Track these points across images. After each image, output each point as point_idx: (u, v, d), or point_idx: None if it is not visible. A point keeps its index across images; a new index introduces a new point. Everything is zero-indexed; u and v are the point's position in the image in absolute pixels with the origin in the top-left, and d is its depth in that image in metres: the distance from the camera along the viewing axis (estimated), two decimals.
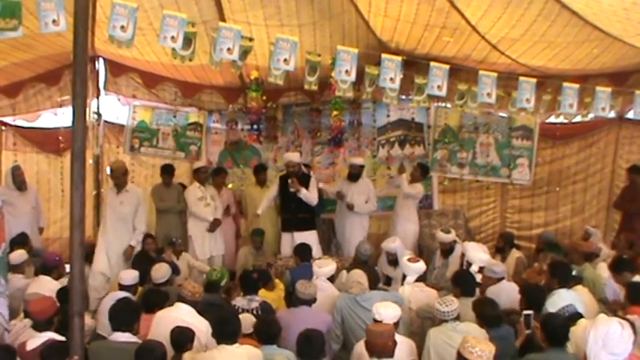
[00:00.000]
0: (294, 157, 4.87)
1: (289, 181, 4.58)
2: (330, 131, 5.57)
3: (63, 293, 3.02)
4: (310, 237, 4.66)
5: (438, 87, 3.59)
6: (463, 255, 4.04)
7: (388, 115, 5.84)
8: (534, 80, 3.92)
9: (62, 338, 2.56)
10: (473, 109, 4.24)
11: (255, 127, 5.56)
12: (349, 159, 5.64)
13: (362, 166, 5.18)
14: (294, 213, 4.71)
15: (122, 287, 3.51)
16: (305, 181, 4.75)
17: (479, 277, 3.65)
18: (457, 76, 4.40)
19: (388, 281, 4.35)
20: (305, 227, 4.72)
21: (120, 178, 4.33)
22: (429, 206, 5.79)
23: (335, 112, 5.44)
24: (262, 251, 4.78)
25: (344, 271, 3.78)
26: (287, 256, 4.57)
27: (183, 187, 5.18)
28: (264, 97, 5.43)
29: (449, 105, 5.54)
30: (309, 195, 4.72)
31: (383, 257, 4.51)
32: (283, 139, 5.96)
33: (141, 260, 4.04)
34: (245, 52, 3.20)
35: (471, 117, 5.63)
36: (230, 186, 5.63)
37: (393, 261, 4.25)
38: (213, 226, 4.90)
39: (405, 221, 5.12)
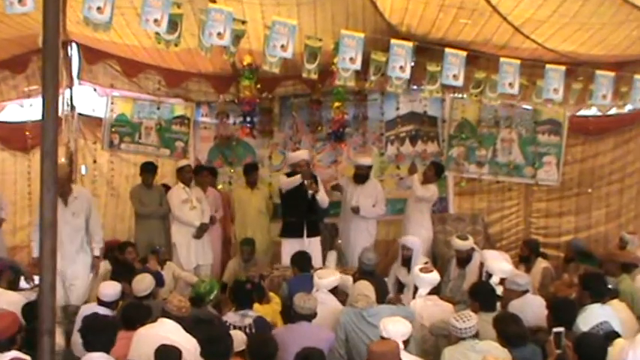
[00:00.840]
0: (304, 154, 4.92)
1: (306, 182, 4.63)
2: (332, 124, 5.59)
3: (28, 308, 3.04)
4: (317, 243, 4.76)
5: (454, 76, 3.60)
6: (482, 265, 4.06)
7: (397, 108, 5.88)
8: (563, 68, 3.92)
9: (27, 358, 2.55)
10: (493, 100, 4.25)
11: (248, 119, 5.56)
12: (354, 158, 5.67)
13: (369, 167, 5.22)
14: (305, 216, 4.73)
15: (102, 303, 3.48)
16: (314, 180, 4.81)
17: (500, 290, 3.67)
18: (475, 64, 4.41)
19: (400, 288, 4.39)
20: (316, 232, 4.80)
21: (65, 185, 3.95)
22: (443, 210, 5.81)
23: (337, 103, 5.48)
24: (252, 263, 4.79)
25: (350, 278, 3.83)
26: (285, 266, 4.59)
27: (167, 188, 5.21)
28: (259, 86, 5.43)
29: (466, 96, 5.47)
30: (324, 196, 4.84)
31: (396, 263, 4.59)
32: (280, 134, 5.99)
33: (121, 271, 4.03)
34: (237, 37, 3.21)
35: (491, 110, 5.68)
36: (220, 187, 5.69)
37: (408, 260, 4.29)
38: (200, 231, 4.91)
39: (417, 227, 5.13)
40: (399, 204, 5.79)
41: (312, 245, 4.62)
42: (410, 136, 5.95)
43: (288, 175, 4.97)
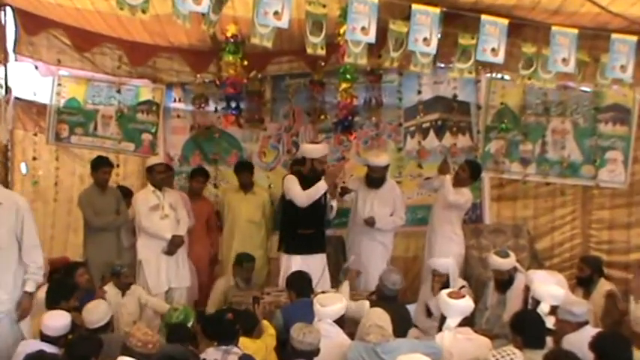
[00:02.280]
0: (324, 149, 4.90)
1: (329, 186, 4.63)
2: (338, 111, 5.60)
3: None
4: (324, 262, 4.82)
5: (492, 51, 3.58)
6: (527, 289, 4.04)
7: (420, 92, 5.93)
8: (634, 38, 3.87)
9: None
10: (549, 83, 4.19)
11: (232, 105, 5.57)
12: (364, 154, 5.79)
13: (386, 167, 5.25)
14: (319, 227, 4.78)
15: (46, 339, 3.40)
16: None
17: (551, 321, 3.66)
18: (520, 35, 4.41)
19: (428, 315, 4.49)
20: (325, 247, 4.85)
21: None
22: (477, 219, 5.89)
23: (344, 85, 5.46)
24: (251, 285, 4.90)
25: (366, 302, 3.85)
26: (279, 289, 4.67)
27: (125, 191, 5.28)
28: (246, 64, 5.41)
29: (507, 76, 5.59)
30: (335, 204, 4.85)
31: (425, 286, 4.65)
32: (272, 124, 6.06)
33: (60, 294, 3.84)
34: (220, 2, 3.26)
35: (539, 93, 5.71)
36: (210, 193, 5.85)
37: (443, 285, 4.30)
38: (173, 246, 4.95)
39: (444, 240, 5.18)
40: (420, 212, 5.88)
41: (319, 263, 4.68)
42: (435, 127, 5.99)
43: (295, 173, 4.96)
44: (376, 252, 5.16)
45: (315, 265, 4.59)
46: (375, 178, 5.19)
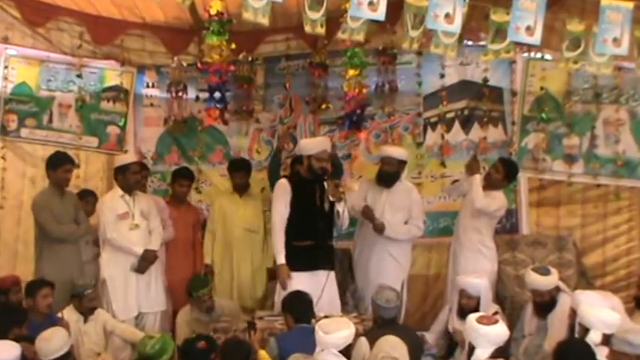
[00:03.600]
0: (322, 143, 4.87)
1: (329, 185, 4.66)
2: (345, 103, 5.59)
3: None
4: (334, 280, 4.84)
5: (528, 29, 3.55)
6: (574, 313, 3.99)
7: (443, 75, 5.98)
8: None
9: None
10: (604, 67, 4.08)
11: (217, 95, 5.43)
12: (376, 149, 5.84)
13: (402, 163, 5.25)
14: (320, 238, 4.78)
15: None
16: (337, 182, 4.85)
17: (603, 353, 3.62)
18: (562, 8, 4.46)
19: (451, 350, 4.49)
20: (333, 264, 4.86)
21: None
22: (513, 229, 5.92)
23: (351, 71, 5.47)
24: (214, 316, 4.86)
25: (362, 339, 3.84)
26: (274, 314, 4.70)
27: (86, 195, 5.30)
28: (234, 46, 5.33)
29: (549, 56, 5.62)
30: (346, 210, 4.80)
31: (446, 311, 4.67)
32: (265, 115, 6.12)
33: (8, 321, 3.90)
34: None
35: (586, 77, 5.71)
36: (199, 199, 5.94)
37: (471, 310, 4.21)
38: (144, 262, 4.99)
39: (472, 254, 5.23)
40: (444, 220, 5.92)
41: (331, 284, 4.70)
42: (461, 118, 6.01)
43: (291, 174, 5.03)
44: (388, 269, 5.16)
45: (315, 284, 4.59)
46: (386, 173, 5.18)
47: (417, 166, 6.00)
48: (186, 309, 5.03)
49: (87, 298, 4.60)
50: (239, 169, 5.55)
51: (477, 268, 5.04)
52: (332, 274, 4.80)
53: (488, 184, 5.21)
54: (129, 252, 4.94)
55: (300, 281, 4.61)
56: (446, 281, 5.45)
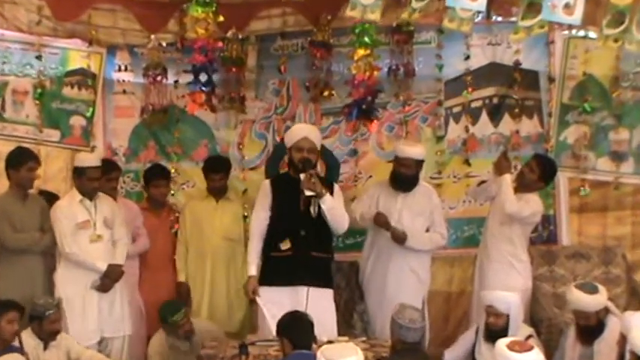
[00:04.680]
0: (311, 132, 4.88)
1: (303, 176, 4.63)
2: (353, 89, 5.54)
3: None
4: (327, 300, 4.81)
5: (566, 7, 3.52)
6: (624, 338, 3.88)
7: (468, 57, 5.98)
8: None
9: None
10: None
11: (202, 79, 5.48)
12: (389, 144, 5.88)
13: (420, 163, 5.24)
14: (302, 247, 4.76)
15: None
16: (325, 185, 4.81)
17: None
18: None
19: None
20: (322, 279, 4.80)
21: None
22: (550, 239, 5.95)
23: (360, 51, 5.46)
24: (195, 343, 4.91)
25: None
26: (264, 340, 4.66)
27: (46, 199, 5.25)
28: (221, 20, 5.37)
29: (593, 34, 5.45)
30: (337, 209, 4.75)
31: (472, 332, 4.69)
32: (258, 103, 6.10)
33: None
34: None
35: (638, 57, 5.72)
36: (173, 202, 5.88)
37: (498, 333, 4.23)
38: (108, 280, 4.98)
39: (503, 268, 5.23)
40: (469, 228, 5.96)
41: (317, 302, 4.63)
42: (490, 107, 6.01)
43: (280, 177, 5.04)
44: (407, 285, 5.16)
45: (295, 302, 4.58)
46: (404, 176, 5.16)
47: (436, 165, 5.99)
48: (159, 336, 5.06)
49: (48, 320, 4.56)
50: (218, 169, 5.55)
51: (507, 285, 4.99)
52: (324, 291, 4.78)
53: (521, 186, 5.20)
54: (91, 268, 4.94)
55: (277, 297, 4.67)
56: (471, 300, 5.48)
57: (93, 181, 4.99)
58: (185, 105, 5.87)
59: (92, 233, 4.95)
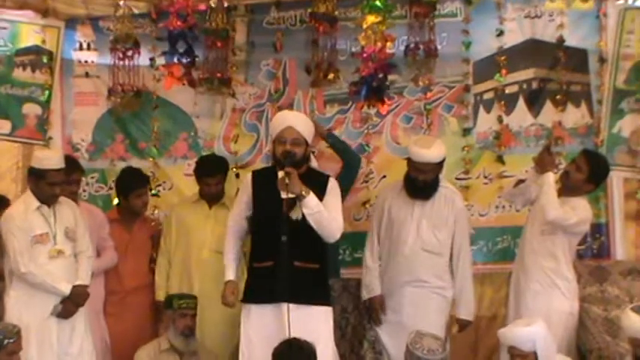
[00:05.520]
0: (297, 120, 4.83)
1: (280, 174, 4.59)
2: (362, 63, 5.42)
3: None
4: (320, 321, 4.73)
5: None
6: None
7: (500, 33, 5.98)
8: None
9: None
10: None
11: (180, 48, 5.43)
12: (406, 137, 5.85)
13: (439, 165, 5.21)
14: (284, 256, 4.66)
15: None
16: (316, 181, 4.75)
17: None
18: None
19: None
20: (309, 294, 4.71)
21: None
22: (601, 252, 5.92)
23: (371, 18, 5.36)
24: (192, 347, 5.04)
25: None
26: None
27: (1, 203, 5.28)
28: None
29: None
30: (324, 212, 4.66)
31: None
32: (249, 88, 6.10)
33: None
34: None
35: None
36: (155, 211, 5.97)
37: None
38: (72, 305, 4.95)
39: (542, 288, 5.20)
40: (503, 239, 5.94)
41: (305, 324, 4.55)
42: (528, 94, 5.99)
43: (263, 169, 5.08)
44: (430, 307, 5.14)
45: (279, 322, 4.55)
46: (420, 183, 5.15)
47: (463, 163, 5.96)
48: (153, 345, 5.14)
49: (5, 352, 4.45)
50: (213, 172, 5.52)
51: (549, 308, 5.01)
52: (313, 309, 4.67)
53: (566, 189, 5.17)
54: (51, 291, 4.87)
55: (258, 318, 4.66)
56: (504, 326, 5.24)
57: (54, 187, 4.91)
58: (163, 75, 5.71)
59: (52, 248, 4.91)
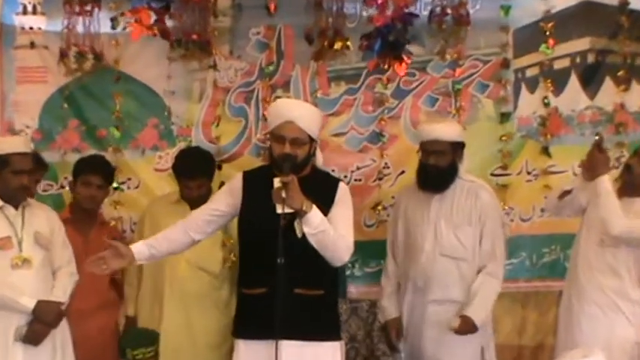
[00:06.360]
0: (301, 112, 4.64)
1: (277, 183, 4.38)
2: (376, 10, 5.44)
3: None
4: (324, 357, 4.61)
5: None
6: None
7: None
8: None
9: None
10: None
11: (151, 11, 5.40)
12: (421, 121, 5.76)
13: (457, 145, 5.17)
14: (281, 281, 4.43)
15: None
16: (321, 188, 4.60)
17: None
18: None
19: None
20: (313, 329, 4.55)
21: None
22: None
23: None
24: None
25: None
26: None
27: None
28: None
29: None
30: (329, 232, 4.47)
31: None
32: (235, 63, 5.99)
33: None
34: None
35: None
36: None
37: None
38: (41, 325, 4.87)
39: (603, 312, 5.07)
40: (551, 250, 5.87)
41: None
42: (582, 69, 5.94)
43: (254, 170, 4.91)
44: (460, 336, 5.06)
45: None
46: (431, 169, 5.12)
47: (500, 156, 5.87)
48: None
49: None
50: (194, 174, 5.35)
51: (610, 336, 4.92)
52: (318, 346, 4.50)
53: (629, 187, 5.07)
54: (12, 307, 4.79)
55: (252, 357, 4.51)
56: (553, 357, 5.35)
57: (21, 176, 4.85)
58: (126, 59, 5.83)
59: (15, 255, 4.83)
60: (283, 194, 4.23)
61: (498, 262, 5.14)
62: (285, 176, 4.25)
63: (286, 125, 4.41)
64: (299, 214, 4.31)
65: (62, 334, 4.93)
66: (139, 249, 4.49)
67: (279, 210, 4.28)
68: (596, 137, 5.48)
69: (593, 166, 5.03)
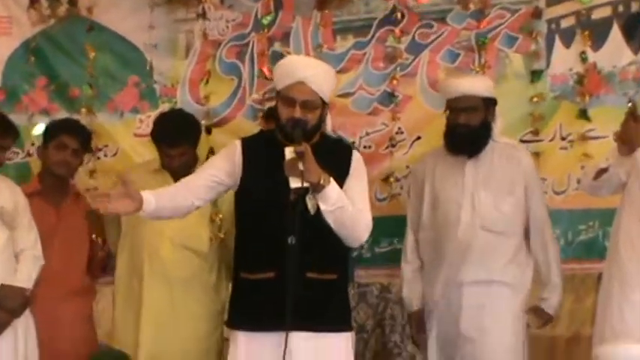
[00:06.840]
0: (315, 71, 4.58)
1: (289, 152, 4.30)
2: None
3: None
4: (340, 354, 4.59)
5: None
6: None
7: None
8: None
9: None
10: None
11: None
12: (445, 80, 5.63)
13: (488, 100, 5.14)
14: (292, 264, 4.41)
15: None
16: (334, 157, 4.53)
17: None
18: None
19: None
20: (326, 319, 4.51)
21: None
22: None
23: None
24: None
25: None
26: None
27: None
28: None
29: None
30: (348, 207, 4.44)
31: None
32: (226, 13, 5.97)
33: None
34: None
35: None
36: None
37: None
38: (4, 313, 4.87)
39: None
40: (588, 227, 5.79)
41: (323, 358, 4.48)
42: (625, 19, 5.80)
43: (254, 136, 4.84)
44: (498, 307, 5.05)
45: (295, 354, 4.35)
46: (462, 129, 5.08)
47: (531, 119, 5.74)
48: None
49: None
50: (178, 140, 5.23)
51: None
52: (332, 338, 4.43)
53: None
54: None
55: (255, 349, 4.44)
56: (591, 350, 5.08)
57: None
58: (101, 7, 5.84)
59: None
60: (300, 166, 4.15)
61: (551, 232, 5.15)
62: (297, 145, 4.17)
63: (297, 86, 4.34)
64: (315, 188, 4.24)
65: (25, 324, 4.87)
66: (148, 198, 4.30)
67: (293, 184, 4.21)
68: (629, 105, 5.53)
69: (629, 137, 4.89)
